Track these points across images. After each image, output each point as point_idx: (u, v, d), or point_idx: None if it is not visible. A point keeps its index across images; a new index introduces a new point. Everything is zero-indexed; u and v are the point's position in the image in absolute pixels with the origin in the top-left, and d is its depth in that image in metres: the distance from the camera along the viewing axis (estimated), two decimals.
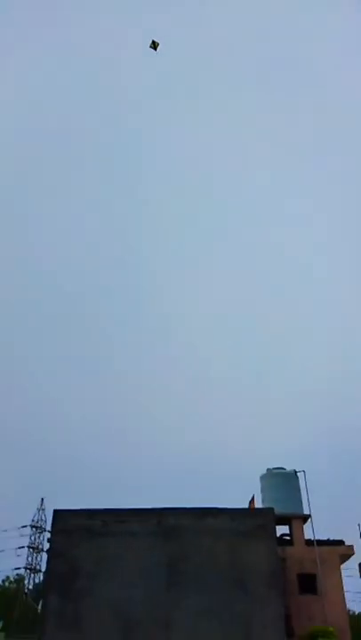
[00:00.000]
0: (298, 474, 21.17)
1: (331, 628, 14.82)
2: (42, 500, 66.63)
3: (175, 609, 10.50)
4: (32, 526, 64.72)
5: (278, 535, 19.07)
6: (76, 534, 11.53)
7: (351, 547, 18.75)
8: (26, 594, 59.14)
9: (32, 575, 61.67)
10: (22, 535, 64.24)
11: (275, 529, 11.92)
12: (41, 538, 61.74)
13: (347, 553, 18.52)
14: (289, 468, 21.72)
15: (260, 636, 10.13)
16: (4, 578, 63.81)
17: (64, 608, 10.75)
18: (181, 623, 10.35)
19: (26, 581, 62.53)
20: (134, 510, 11.79)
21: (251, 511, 11.84)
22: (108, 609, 10.62)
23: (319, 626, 15.05)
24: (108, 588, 10.84)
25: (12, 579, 63.77)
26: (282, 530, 19.95)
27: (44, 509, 64.11)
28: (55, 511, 11.99)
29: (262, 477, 21.53)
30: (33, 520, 65.28)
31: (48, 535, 12.56)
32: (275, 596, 10.57)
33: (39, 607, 12.46)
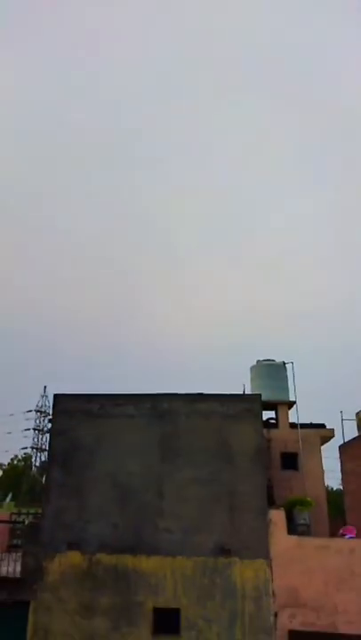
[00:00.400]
0: (286, 365, 22.16)
1: (309, 498, 16.44)
2: (44, 387, 70.75)
3: (168, 480, 11.58)
4: (36, 411, 69.51)
5: (265, 419, 20.43)
6: (76, 416, 12.34)
7: (332, 430, 20.19)
8: (33, 470, 64.79)
9: (38, 454, 66.93)
10: (27, 419, 69.24)
11: (261, 412, 12.73)
12: (45, 421, 66.08)
13: (327, 435, 19.98)
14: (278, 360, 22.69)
15: (244, 503, 11.29)
16: (13, 457, 69.71)
17: (66, 480, 11.85)
18: (173, 491, 11.47)
19: (33, 459, 68.22)
20: (130, 395, 12.52)
21: (240, 396, 12.55)
22: (106, 480, 11.70)
23: (298, 496, 16.68)
24: (106, 462, 11.85)
25: (20, 457, 69.62)
26: (268, 415, 21.36)
27: (46, 396, 67.85)
28: (55, 395, 12.72)
29: (252, 368, 22.50)
30: (37, 405, 69.97)
31: (51, 417, 13.41)
32: (259, 470, 11.63)
33: (44, 480, 13.64)
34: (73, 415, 12.33)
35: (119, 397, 12.44)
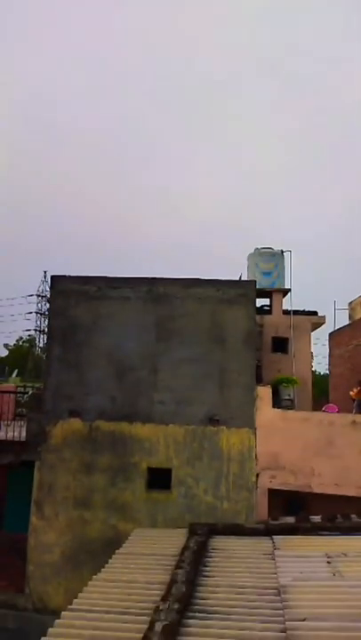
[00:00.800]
0: (284, 253, 22.19)
1: (294, 377, 17.50)
2: (44, 272, 71.61)
3: (162, 357, 12.20)
4: (37, 295, 71.31)
5: (259, 306, 20.97)
6: (74, 297, 12.63)
7: (323, 317, 20.90)
8: (37, 350, 67.82)
9: (41, 336, 69.54)
10: (30, 302, 71.52)
11: (255, 297, 13.01)
12: (46, 305, 67.82)
13: (319, 322, 20.74)
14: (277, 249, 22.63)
15: (233, 380, 12.01)
16: (17, 338, 72.73)
17: (65, 356, 12.47)
18: (167, 368, 12.14)
19: (36, 341, 71.11)
20: (127, 278, 12.69)
21: (235, 282, 12.73)
22: (104, 357, 12.32)
23: (285, 375, 17.75)
24: (103, 340, 12.38)
25: (24, 339, 72.63)
26: (263, 303, 21.86)
27: (46, 281, 68.87)
28: (53, 276, 12.89)
29: (250, 256, 22.59)
30: (38, 290, 71.59)
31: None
32: (249, 350, 12.19)
33: (45, 357, 14.39)
34: (70, 296, 12.61)
35: (116, 280, 12.62)
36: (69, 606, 6.71)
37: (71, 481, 11.83)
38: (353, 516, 10.89)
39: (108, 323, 12.40)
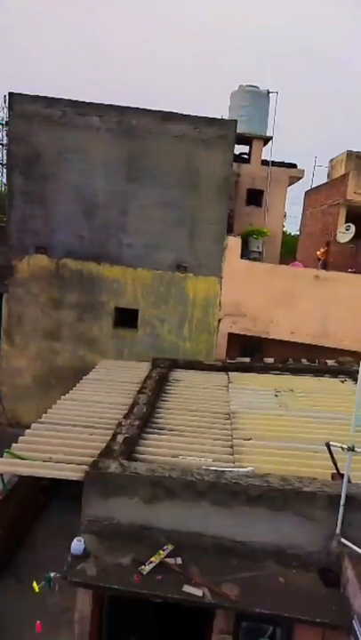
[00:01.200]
0: (270, 94, 20.48)
1: (266, 229, 17.46)
2: (5, 97, 64.15)
3: (132, 199, 11.76)
4: None
5: (237, 154, 19.92)
6: (36, 121, 11.53)
7: (302, 170, 20.16)
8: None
9: (3, 169, 65.16)
10: None
11: (234, 141, 12.25)
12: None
13: (297, 176, 20.05)
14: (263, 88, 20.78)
15: (204, 228, 11.85)
16: None
17: (29, 188, 11.79)
18: (137, 210, 11.79)
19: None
20: (95, 105, 11.54)
21: (214, 119, 11.80)
22: (71, 193, 11.76)
23: (256, 227, 17.66)
24: (70, 175, 11.69)
25: None
26: (242, 150, 20.72)
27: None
28: (10, 94, 11.49)
29: (232, 95, 20.73)
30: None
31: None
32: (223, 199, 11.84)
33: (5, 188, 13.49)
34: (32, 120, 11.50)
35: (83, 105, 11.48)
36: (39, 419, 7.32)
37: (40, 314, 12.12)
38: (304, 360, 11.83)
39: (75, 155, 11.60)
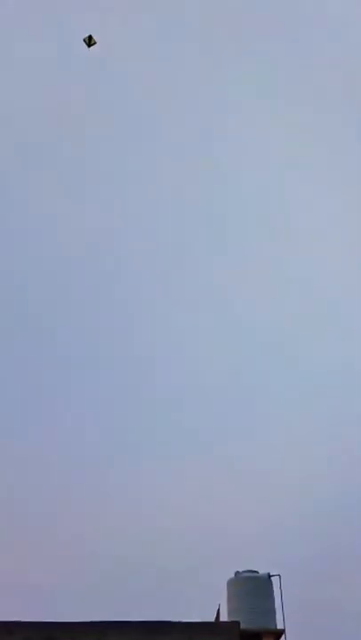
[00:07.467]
0: (272, 578, 18.54)
1: None
2: None
3: None
4: None
5: None
6: None
7: None
8: None
9: None
10: None
11: None
12: None
13: None
14: (263, 567, 19.14)
15: None
16: None
17: None
18: None
19: None
20: (74, 623, 9.39)
21: (211, 625, 9.59)
22: None
23: None
24: None
25: None
26: None
27: None
28: None
29: (229, 583, 18.64)
30: None
31: None
32: None
33: None
34: None
35: (54, 628, 9.34)
36: None
37: None
38: None
39: None
